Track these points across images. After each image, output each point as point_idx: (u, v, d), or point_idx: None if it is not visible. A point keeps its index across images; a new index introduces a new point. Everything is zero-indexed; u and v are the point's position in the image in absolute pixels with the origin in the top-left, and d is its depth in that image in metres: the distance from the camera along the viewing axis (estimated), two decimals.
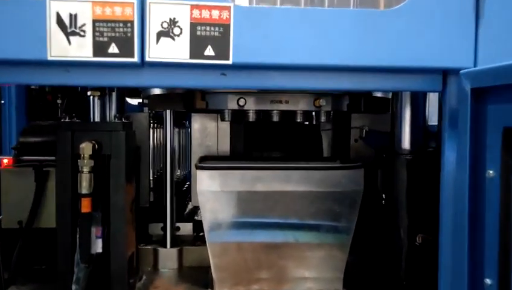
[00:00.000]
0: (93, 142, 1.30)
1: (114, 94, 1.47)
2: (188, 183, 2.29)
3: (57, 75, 0.84)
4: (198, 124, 1.71)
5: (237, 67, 0.85)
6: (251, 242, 1.44)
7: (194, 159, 1.72)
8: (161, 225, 1.73)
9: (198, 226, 1.85)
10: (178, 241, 1.74)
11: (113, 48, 0.81)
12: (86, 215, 1.28)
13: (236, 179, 1.39)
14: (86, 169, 1.27)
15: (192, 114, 1.72)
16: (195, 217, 2.10)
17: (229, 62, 0.82)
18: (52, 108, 2.48)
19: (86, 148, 1.27)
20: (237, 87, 0.85)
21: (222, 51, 0.82)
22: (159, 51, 0.82)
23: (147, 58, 0.81)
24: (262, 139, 1.87)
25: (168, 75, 0.86)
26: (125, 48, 0.81)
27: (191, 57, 0.82)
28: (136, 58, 0.81)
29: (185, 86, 0.86)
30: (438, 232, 0.96)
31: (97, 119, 1.41)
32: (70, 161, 1.31)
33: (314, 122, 1.60)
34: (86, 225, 1.29)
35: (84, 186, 1.27)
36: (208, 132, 1.72)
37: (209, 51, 0.82)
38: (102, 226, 1.34)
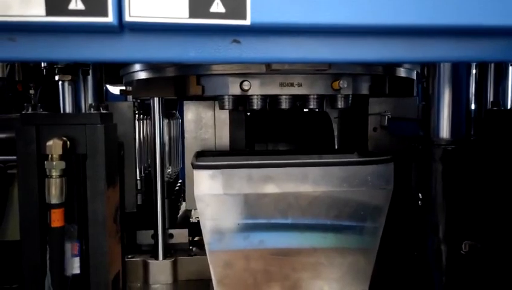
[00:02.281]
0: (64, 138, 1.04)
1: (90, 78, 1.20)
2: (180, 181, 2.04)
3: None
4: (192, 113, 1.46)
5: (257, 30, 0.60)
6: (260, 251, 1.21)
7: (188, 155, 1.48)
8: (151, 232, 1.48)
9: (193, 229, 1.61)
10: (172, 251, 1.50)
11: (76, 3, 0.55)
12: (57, 231, 1.03)
13: (242, 180, 1.15)
14: (55, 173, 1.01)
15: (185, 102, 1.47)
16: (190, 219, 1.86)
17: (246, 22, 0.57)
18: (24, 99, 2.19)
19: (55, 146, 1.01)
20: (255, 60, 0.61)
21: (236, 6, 0.57)
22: (144, 7, 0.56)
23: (127, 18, 0.56)
24: (265, 130, 1.62)
25: (157, 43, 0.60)
26: (95, 2, 0.55)
27: (192, 16, 0.57)
28: (110, 18, 0.55)
29: (181, 59, 0.60)
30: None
31: (69, 110, 1.14)
32: (36, 163, 1.05)
33: (330, 108, 1.35)
34: (57, 242, 1.03)
35: (54, 195, 1.01)
36: (203, 123, 1.47)
37: (217, 7, 0.57)
38: (79, 242, 1.09)
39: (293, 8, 0.57)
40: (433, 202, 1.14)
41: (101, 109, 1.12)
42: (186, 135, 1.46)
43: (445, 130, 1.14)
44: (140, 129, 1.58)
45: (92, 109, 1.10)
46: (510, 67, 1.28)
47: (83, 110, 1.24)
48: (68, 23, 0.55)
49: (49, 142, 1.01)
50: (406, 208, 1.22)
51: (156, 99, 1.41)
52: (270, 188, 1.16)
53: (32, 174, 1.05)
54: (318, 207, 1.20)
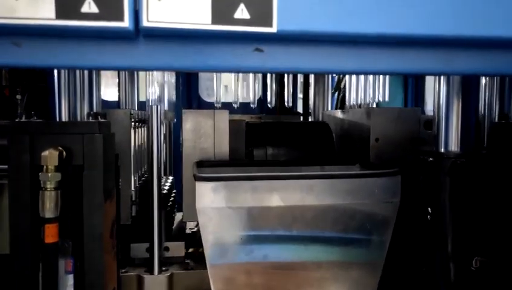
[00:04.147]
0: (60, 148, 0.98)
1: (86, 84, 1.14)
2: (174, 191, 1.98)
3: (0, 51, 0.53)
4: (191, 122, 1.41)
5: (282, 38, 0.56)
6: (263, 266, 1.16)
7: (186, 165, 1.42)
8: (146, 245, 1.42)
9: (189, 241, 1.55)
10: (168, 265, 1.44)
11: (90, 6, 0.50)
12: (51, 247, 0.96)
13: (246, 192, 1.10)
14: (50, 185, 0.95)
15: (184, 110, 1.42)
16: (186, 229, 1.80)
17: (272, 30, 0.53)
18: (11, 105, 2.12)
19: (51, 157, 0.95)
20: (278, 69, 0.57)
21: (262, 12, 0.53)
22: (163, 11, 0.52)
23: (144, 23, 0.51)
24: (265, 140, 1.58)
25: (174, 50, 0.56)
26: (110, 5, 0.50)
27: (214, 22, 0.53)
28: (126, 23, 0.51)
29: (199, 68, 0.56)
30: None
31: (65, 118, 1.08)
32: (29, 174, 0.99)
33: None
34: (51, 259, 0.97)
35: (49, 209, 0.95)
36: (202, 132, 1.42)
37: (241, 13, 0.53)
38: (73, 259, 1.03)
39: (323, 15, 0.53)
40: (442, 216, 1.11)
41: (99, 117, 1.07)
42: (184, 144, 1.41)
43: (454, 143, 1.12)
44: (135, 137, 1.52)
45: (91, 118, 1.04)
46: None
47: (79, 118, 1.17)
48: (80, 27, 0.50)
49: (45, 153, 0.95)
50: (413, 222, 1.19)
51: (154, 107, 1.36)
52: (275, 201, 1.12)
53: (25, 186, 0.99)
54: (323, 220, 1.16)
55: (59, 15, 0.50)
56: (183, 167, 1.42)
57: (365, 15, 0.54)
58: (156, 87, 2.00)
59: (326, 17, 0.54)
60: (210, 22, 0.53)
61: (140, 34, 0.53)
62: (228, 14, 0.53)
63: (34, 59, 0.55)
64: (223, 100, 3.06)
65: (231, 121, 1.45)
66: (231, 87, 2.76)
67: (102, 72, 3.02)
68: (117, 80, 2.06)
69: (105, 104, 2.83)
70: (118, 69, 1.11)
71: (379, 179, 1.14)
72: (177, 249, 1.47)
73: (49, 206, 0.95)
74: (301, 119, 2.59)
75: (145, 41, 0.55)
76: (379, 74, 0.94)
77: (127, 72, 1.98)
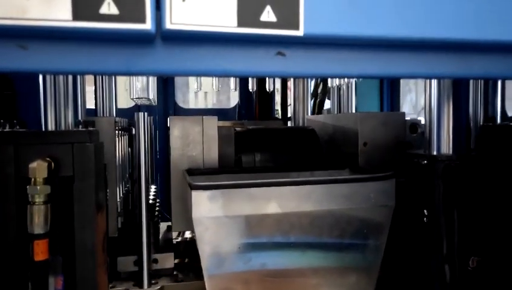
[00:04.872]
0: (48, 159, 0.92)
1: (70, 90, 1.08)
2: (158, 201, 1.92)
3: (5, 55, 0.49)
4: (179, 129, 1.37)
5: (306, 42, 0.54)
6: (261, 274, 1.14)
7: (174, 173, 1.38)
8: (134, 258, 1.37)
9: (176, 252, 1.50)
10: (157, 278, 1.39)
11: (109, 6, 0.47)
12: (41, 265, 0.90)
13: (243, 200, 1.08)
14: (39, 199, 0.89)
15: (171, 117, 1.38)
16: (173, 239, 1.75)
17: (299, 33, 0.52)
18: None
19: (40, 169, 0.89)
20: (300, 74, 0.56)
21: (288, 14, 0.51)
22: (187, 13, 0.49)
23: (167, 25, 0.49)
24: (252, 147, 1.56)
25: (195, 54, 0.53)
26: (130, 6, 0.47)
27: (240, 24, 0.50)
28: (148, 25, 0.48)
29: (220, 73, 0.54)
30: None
31: (52, 127, 1.02)
32: (14, 187, 0.92)
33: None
34: (41, 278, 0.91)
35: (38, 224, 0.89)
36: (190, 139, 1.38)
37: (267, 15, 0.51)
38: (63, 276, 0.97)
39: (350, 18, 0.52)
40: (436, 219, 1.13)
41: (88, 126, 1.01)
42: (172, 153, 1.37)
43: (446, 146, 1.14)
44: (119, 146, 1.46)
45: (80, 126, 0.99)
46: None
47: (63, 127, 1.11)
48: (99, 29, 0.47)
49: (33, 164, 0.89)
50: (408, 225, 1.20)
51: (141, 114, 1.31)
52: (272, 208, 1.10)
53: (10, 200, 0.92)
54: (320, 226, 1.15)
55: (76, 16, 0.46)
56: (172, 175, 1.38)
57: (394, 18, 0.53)
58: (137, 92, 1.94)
59: (353, 21, 0.53)
60: (236, 24, 0.51)
61: (163, 36, 0.50)
62: (254, 16, 0.51)
63: (40, 64, 0.51)
64: (201, 106, 3.03)
65: (220, 128, 1.42)
66: (210, 93, 2.73)
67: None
68: (93, 87, 1.98)
69: (90, 112, 2.72)
70: (137, 74, 1.06)
71: (375, 183, 1.15)
72: (166, 260, 1.42)
73: (38, 221, 0.89)
74: (282, 124, 2.59)
75: (165, 45, 0.52)
76: (402, 77, 0.94)
77: (105, 78, 1.91)
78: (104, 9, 0.47)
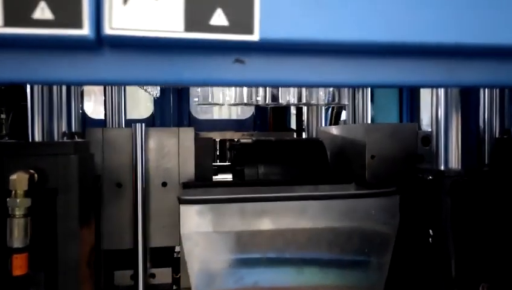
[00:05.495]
0: (32, 171, 0.91)
1: (64, 101, 1.07)
2: None
3: None
4: (154, 141, 1.33)
5: (265, 48, 0.50)
6: None
7: (152, 186, 1.34)
8: (130, 272, 1.33)
9: (176, 266, 1.46)
10: None
11: (43, 11, 0.44)
12: (20, 280, 0.88)
13: (234, 215, 1.03)
14: (19, 212, 0.87)
15: (146, 129, 1.33)
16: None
17: (254, 38, 0.47)
18: None
19: (20, 181, 0.87)
20: (261, 82, 0.51)
21: (241, 18, 0.47)
22: (128, 17, 0.45)
23: (107, 31, 0.45)
24: (257, 158, 1.51)
25: (143, 62, 0.49)
26: (66, 10, 0.44)
27: (188, 29, 0.46)
28: (86, 30, 0.44)
29: (172, 82, 0.49)
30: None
31: (39, 138, 1.01)
32: None
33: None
34: None
35: (17, 238, 0.87)
36: (166, 152, 1.34)
37: (218, 19, 0.46)
38: None
39: (312, 21, 0.47)
40: (444, 239, 1.04)
41: (75, 137, 0.99)
42: (146, 165, 1.32)
43: (454, 160, 1.06)
44: None
45: (66, 138, 0.97)
46: None
47: (56, 139, 1.10)
48: (31, 36, 0.44)
49: (13, 176, 0.88)
50: (414, 244, 1.12)
51: (138, 125, 1.29)
52: (265, 224, 1.05)
53: None
54: (318, 243, 1.08)
55: (7, 22, 0.43)
56: (147, 189, 1.33)
57: (362, 21, 0.48)
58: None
59: (314, 24, 0.48)
60: (183, 29, 0.46)
61: (103, 43, 0.46)
62: (203, 20, 0.46)
63: None
64: (216, 117, 3.00)
65: (199, 139, 1.38)
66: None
67: (90, 88, 2.94)
68: (103, 98, 1.99)
69: (92, 122, 2.75)
70: (79, 84, 1.04)
71: (376, 200, 1.07)
72: (163, 275, 1.38)
73: (17, 234, 0.87)
74: (295, 135, 2.53)
75: (111, 52, 0.49)
76: (373, 86, 0.88)
77: (115, 88, 1.92)
78: (38, 14, 0.44)
